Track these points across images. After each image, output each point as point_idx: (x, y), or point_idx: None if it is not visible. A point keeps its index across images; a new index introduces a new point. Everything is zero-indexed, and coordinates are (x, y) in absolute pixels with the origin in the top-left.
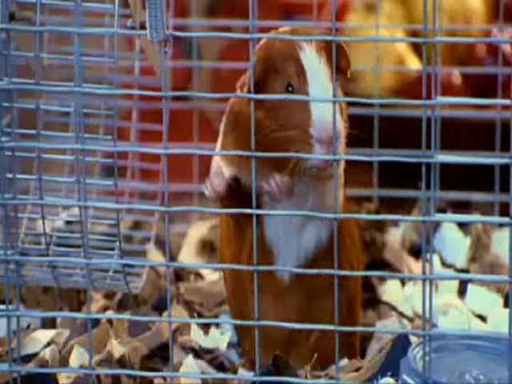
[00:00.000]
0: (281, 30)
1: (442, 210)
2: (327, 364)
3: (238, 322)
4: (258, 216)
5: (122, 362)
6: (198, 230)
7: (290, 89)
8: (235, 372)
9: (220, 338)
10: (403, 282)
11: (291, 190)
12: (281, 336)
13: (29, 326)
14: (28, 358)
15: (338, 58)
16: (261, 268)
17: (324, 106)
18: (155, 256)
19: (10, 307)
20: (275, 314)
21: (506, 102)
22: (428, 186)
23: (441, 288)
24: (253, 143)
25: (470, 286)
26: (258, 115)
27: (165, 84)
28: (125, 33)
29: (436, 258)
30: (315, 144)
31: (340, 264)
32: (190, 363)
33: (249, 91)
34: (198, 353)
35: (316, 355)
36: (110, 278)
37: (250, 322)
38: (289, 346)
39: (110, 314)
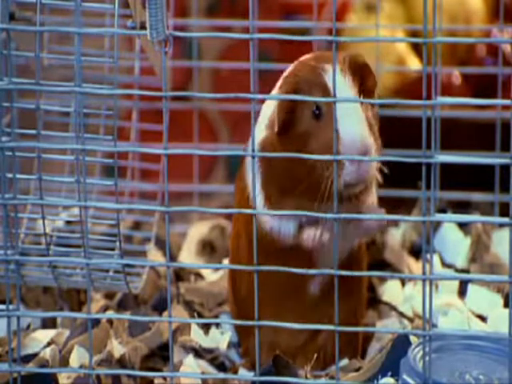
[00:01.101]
0: (304, 58)
1: (442, 210)
2: (329, 364)
3: (239, 322)
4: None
5: (122, 362)
6: (198, 230)
7: (317, 112)
8: (235, 372)
9: (220, 338)
10: (403, 282)
11: (323, 240)
12: (288, 347)
13: (29, 326)
14: (28, 358)
15: (364, 77)
16: (261, 268)
17: (352, 124)
18: (155, 256)
19: (10, 307)
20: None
21: (506, 102)
22: (428, 186)
23: (441, 288)
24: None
25: (470, 286)
26: (291, 150)
27: (165, 84)
28: (125, 33)
29: (436, 258)
30: (345, 162)
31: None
32: (190, 363)
33: (279, 130)
34: (199, 353)
35: (316, 356)
36: (110, 278)
37: (250, 322)
38: (297, 353)
39: (110, 314)
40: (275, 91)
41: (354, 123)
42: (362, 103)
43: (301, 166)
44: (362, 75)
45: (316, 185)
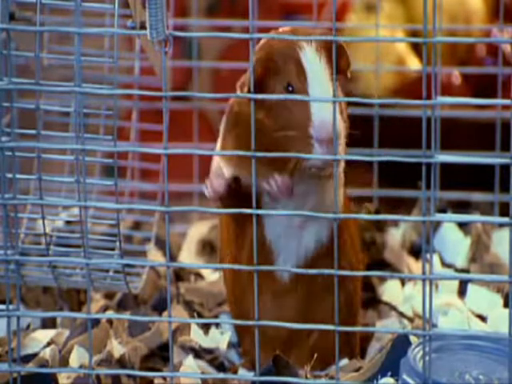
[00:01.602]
0: (281, 30)
1: (442, 210)
2: (327, 364)
3: (238, 321)
4: (258, 216)
5: (122, 362)
6: (198, 230)
7: (290, 89)
8: (235, 372)
9: (220, 338)
10: (403, 282)
11: (291, 189)
12: (280, 336)
13: (29, 326)
14: (28, 358)
15: (337, 58)
16: (261, 268)
17: (324, 106)
18: (155, 256)
19: (10, 307)
20: (275, 314)
21: (506, 101)
22: (428, 186)
23: (441, 288)
24: (253, 143)
25: (470, 286)
26: (258, 115)
27: (165, 84)
28: (125, 33)
29: (436, 258)
30: (315, 144)
31: (340, 264)
32: (190, 363)
33: (249, 91)
34: (198, 353)
35: (316, 355)
36: (110, 278)
37: (250, 322)
38: (288, 346)
39: (110, 314)
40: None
41: (325, 105)
42: (334, 83)
43: (267, 136)
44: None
45: (283, 158)
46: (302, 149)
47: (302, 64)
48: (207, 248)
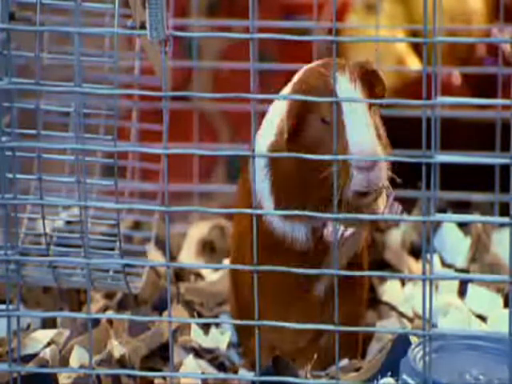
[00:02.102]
0: (313, 64)
1: (442, 210)
2: (329, 364)
3: (238, 322)
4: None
5: (122, 362)
6: (198, 230)
7: (327, 120)
8: (236, 372)
9: (220, 338)
10: (403, 282)
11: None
12: (294, 348)
13: (29, 326)
14: (28, 358)
15: (373, 85)
16: (261, 268)
17: (361, 133)
18: (155, 256)
19: (10, 307)
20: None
21: (506, 102)
22: (428, 186)
23: (441, 288)
24: (252, 142)
25: (469, 286)
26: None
27: (165, 84)
28: (125, 33)
29: (436, 258)
30: (353, 171)
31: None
32: (190, 363)
33: (288, 137)
34: (199, 353)
35: (317, 357)
36: (110, 278)
37: (250, 322)
38: (299, 353)
39: (110, 314)
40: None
41: (362, 132)
42: (370, 110)
43: (310, 173)
44: (371, 82)
45: (326, 192)
46: (344, 180)
47: (337, 95)
48: (207, 248)
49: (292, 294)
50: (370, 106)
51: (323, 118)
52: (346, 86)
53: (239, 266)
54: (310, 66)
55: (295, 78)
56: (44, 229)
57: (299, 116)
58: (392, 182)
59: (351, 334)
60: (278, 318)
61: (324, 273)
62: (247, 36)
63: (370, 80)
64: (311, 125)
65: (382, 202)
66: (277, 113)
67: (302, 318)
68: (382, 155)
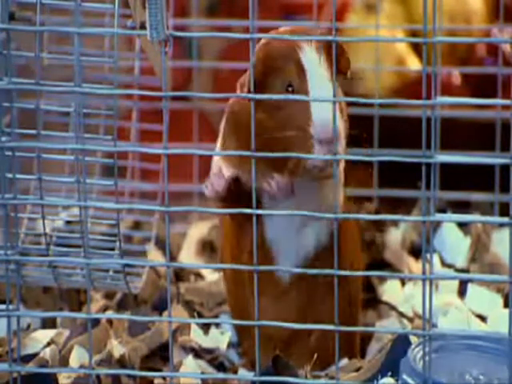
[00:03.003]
0: (281, 30)
1: (442, 210)
2: (327, 364)
3: (238, 321)
4: (258, 216)
5: (122, 362)
6: (198, 230)
7: (290, 89)
8: (235, 372)
9: (220, 338)
10: (403, 282)
11: (291, 189)
12: (280, 336)
13: (29, 326)
14: (28, 358)
15: (337, 58)
16: (261, 268)
17: (324, 106)
18: (155, 256)
19: (10, 307)
20: (275, 314)
21: (506, 102)
22: (428, 186)
23: (441, 288)
24: (253, 143)
25: (469, 286)
26: (258, 115)
27: (165, 84)
28: (125, 33)
29: (436, 258)
30: (315, 144)
31: (340, 264)
32: (190, 363)
33: (249, 91)
34: (198, 353)
35: (316, 355)
36: (110, 278)
37: (250, 322)
38: (289, 346)
39: (110, 314)
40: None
41: (326, 105)
42: (334, 83)
43: (267, 136)
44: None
45: (284, 159)
46: (302, 149)
47: (303, 64)
48: (207, 248)
49: (261, 279)
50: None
51: (289, 83)
52: (312, 56)
53: (240, 266)
54: (278, 30)
55: (260, 43)
56: (44, 229)
57: (264, 75)
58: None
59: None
60: (252, 302)
61: (324, 273)
62: (247, 36)
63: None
64: (274, 87)
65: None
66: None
67: (273, 303)
68: (342, 131)
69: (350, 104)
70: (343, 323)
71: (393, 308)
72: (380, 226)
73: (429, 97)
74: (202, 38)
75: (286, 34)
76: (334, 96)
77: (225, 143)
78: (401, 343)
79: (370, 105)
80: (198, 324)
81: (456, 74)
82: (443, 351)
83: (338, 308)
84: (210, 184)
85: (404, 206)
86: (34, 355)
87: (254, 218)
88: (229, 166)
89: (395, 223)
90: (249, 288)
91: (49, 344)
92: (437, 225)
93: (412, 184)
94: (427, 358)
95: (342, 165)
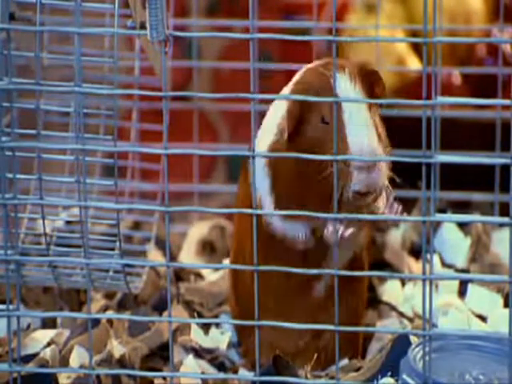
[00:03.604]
0: (313, 64)
1: (442, 210)
2: (331, 364)
3: (238, 322)
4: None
5: (122, 362)
6: (198, 230)
7: (326, 121)
8: (236, 372)
9: (220, 338)
10: (403, 282)
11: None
12: (294, 348)
13: (29, 326)
14: (28, 358)
15: (373, 84)
16: (261, 268)
17: (360, 133)
18: (155, 256)
19: (10, 307)
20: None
21: (506, 102)
22: (428, 186)
23: (441, 288)
24: (253, 143)
25: (470, 286)
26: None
27: (165, 84)
28: (125, 33)
29: (436, 258)
30: (354, 171)
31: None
32: (190, 363)
33: (289, 136)
34: (199, 353)
35: (317, 356)
36: (110, 278)
37: (250, 322)
38: (297, 354)
39: (110, 314)
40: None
41: (362, 132)
42: (370, 110)
43: (310, 173)
44: (371, 82)
45: (326, 192)
46: (343, 179)
47: (337, 95)
48: (207, 248)
49: (292, 294)
50: (370, 106)
51: (323, 117)
52: (346, 86)
53: (239, 266)
54: (310, 65)
55: (295, 78)
56: (44, 229)
57: (299, 116)
58: (392, 181)
59: (351, 334)
60: (279, 318)
61: (324, 272)
62: (247, 36)
63: (369, 80)
64: (311, 125)
65: (382, 202)
66: (277, 112)
67: (302, 318)
68: (381, 155)
69: None
70: (356, 324)
71: (393, 308)
72: (380, 226)
73: (429, 97)
74: (202, 37)
75: (319, 68)
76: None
77: (278, 200)
78: (401, 343)
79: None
80: (198, 324)
81: (456, 74)
82: (443, 351)
83: (351, 309)
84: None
85: (404, 205)
86: (34, 355)
87: (254, 218)
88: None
89: (395, 223)
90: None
91: (49, 344)
92: (437, 225)
93: (412, 184)
94: (427, 358)
95: (383, 197)
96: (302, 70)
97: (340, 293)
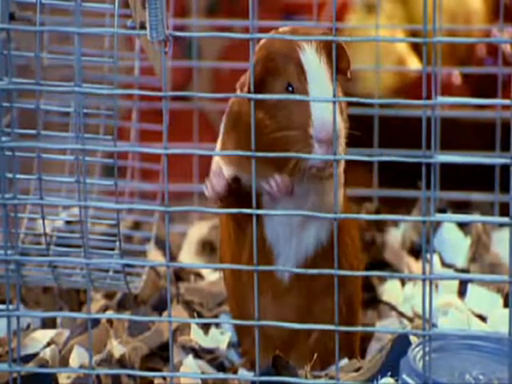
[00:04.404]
0: (281, 29)
1: (442, 210)
2: (327, 364)
3: (238, 321)
4: (258, 216)
5: (122, 362)
6: (198, 230)
7: (290, 89)
8: (235, 372)
9: (220, 338)
10: (403, 282)
11: (291, 189)
12: (280, 336)
13: (29, 326)
14: (28, 358)
15: (338, 58)
16: (261, 268)
17: (324, 106)
18: (155, 256)
19: (10, 307)
20: (275, 314)
21: (506, 101)
22: (428, 186)
23: (441, 288)
24: (253, 143)
25: (469, 286)
26: (258, 115)
27: (165, 84)
28: (125, 33)
29: (436, 258)
30: (315, 144)
31: (340, 264)
32: (190, 363)
33: (249, 91)
34: (198, 353)
35: (316, 355)
36: (110, 278)
37: (250, 322)
38: (289, 346)
39: (110, 314)
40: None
41: (326, 105)
42: (334, 83)
43: (267, 136)
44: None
45: (284, 159)
46: (302, 149)
47: (303, 64)
48: (207, 248)
49: (261, 279)
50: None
51: (289, 84)
52: (312, 55)
53: (240, 266)
54: (278, 30)
55: (261, 43)
56: (44, 229)
57: (263, 75)
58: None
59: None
60: (252, 302)
61: (323, 272)
62: (247, 36)
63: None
64: (274, 88)
65: (339, 177)
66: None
67: (270, 303)
68: (342, 131)
69: (350, 104)
70: (343, 323)
71: (393, 308)
72: (380, 226)
73: (429, 97)
74: (202, 37)
75: (286, 33)
76: (334, 96)
77: (225, 143)
78: (401, 343)
79: (370, 105)
80: (198, 324)
81: (456, 74)
82: (443, 351)
83: (338, 308)
84: (210, 184)
85: (404, 206)
86: (34, 355)
87: (254, 218)
88: (229, 165)
89: (395, 223)
90: (248, 288)
91: (49, 344)
92: (437, 225)
93: (412, 184)
94: (427, 358)
95: (342, 165)
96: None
97: (325, 287)
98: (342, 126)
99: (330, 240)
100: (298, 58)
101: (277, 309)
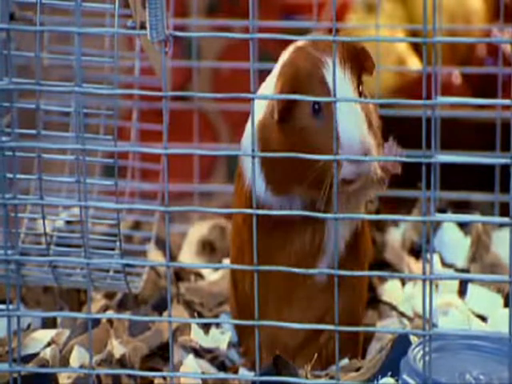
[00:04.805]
0: (301, 44)
1: (442, 210)
2: (331, 363)
3: (238, 321)
4: (317, 221)
5: (122, 362)
6: (198, 230)
7: (317, 107)
8: (236, 372)
9: (220, 338)
10: (403, 282)
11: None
12: (295, 342)
13: (29, 326)
14: (28, 358)
15: (362, 59)
16: (261, 268)
17: (351, 123)
18: (155, 256)
19: (11, 307)
20: (308, 316)
21: (506, 101)
22: (428, 186)
23: (441, 288)
24: (254, 141)
25: (470, 286)
26: (290, 140)
27: (165, 84)
28: (125, 33)
29: (436, 258)
30: (343, 162)
31: (359, 266)
32: (190, 363)
33: (278, 116)
34: (199, 352)
35: (317, 354)
36: (110, 278)
37: (250, 322)
38: (299, 349)
39: (110, 313)
40: (272, 78)
41: (352, 122)
42: (361, 96)
43: (301, 161)
44: (359, 59)
45: (316, 178)
46: (332, 168)
47: (327, 82)
48: (207, 248)
49: (292, 280)
50: (361, 91)
51: (315, 102)
52: (336, 71)
53: (239, 266)
54: (298, 45)
55: (283, 58)
56: (44, 229)
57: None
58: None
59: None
60: (280, 309)
61: (323, 272)
62: (247, 36)
63: (358, 58)
64: (301, 109)
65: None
66: (269, 90)
67: (304, 306)
68: (372, 146)
69: None
70: (351, 323)
71: (393, 308)
72: (380, 226)
73: (429, 97)
74: (202, 37)
75: (308, 49)
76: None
77: (269, 173)
78: (401, 343)
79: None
80: (198, 324)
81: (456, 74)
82: (443, 351)
83: (350, 308)
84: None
85: (404, 206)
86: (35, 355)
87: (254, 218)
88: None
89: (395, 223)
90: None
91: (49, 344)
92: (437, 225)
93: (412, 184)
94: (427, 358)
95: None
96: (289, 50)
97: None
98: (371, 141)
99: (354, 239)
100: (321, 76)
101: (308, 312)
